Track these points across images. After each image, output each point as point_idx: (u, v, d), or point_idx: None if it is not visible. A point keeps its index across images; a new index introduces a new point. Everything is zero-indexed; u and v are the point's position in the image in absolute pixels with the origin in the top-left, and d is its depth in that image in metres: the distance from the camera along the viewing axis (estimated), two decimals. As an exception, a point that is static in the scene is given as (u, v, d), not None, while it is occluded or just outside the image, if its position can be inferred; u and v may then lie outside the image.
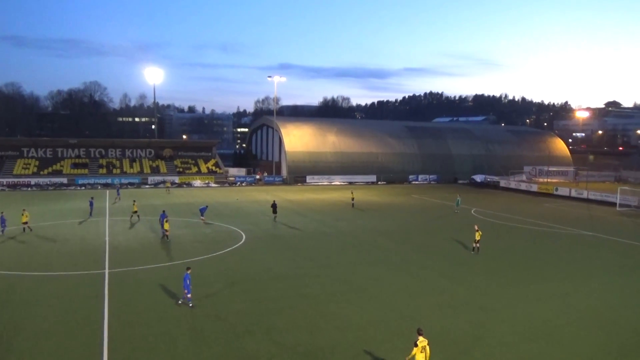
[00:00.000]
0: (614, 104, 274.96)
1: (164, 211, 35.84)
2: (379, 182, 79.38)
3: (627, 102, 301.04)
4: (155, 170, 76.70)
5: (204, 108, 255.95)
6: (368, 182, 78.68)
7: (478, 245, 30.59)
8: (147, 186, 70.72)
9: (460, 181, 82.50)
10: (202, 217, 40.27)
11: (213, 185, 73.39)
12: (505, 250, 31.88)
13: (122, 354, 15.82)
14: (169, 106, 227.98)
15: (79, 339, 16.94)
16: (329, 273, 25.75)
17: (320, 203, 54.11)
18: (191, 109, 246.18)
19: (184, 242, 32.69)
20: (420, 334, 14.09)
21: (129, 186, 67.55)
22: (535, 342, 17.31)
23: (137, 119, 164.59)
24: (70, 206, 49.07)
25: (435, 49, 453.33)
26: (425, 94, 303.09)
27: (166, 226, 33.18)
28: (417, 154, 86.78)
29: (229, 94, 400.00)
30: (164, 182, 71.63)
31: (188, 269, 20.42)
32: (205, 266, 26.55)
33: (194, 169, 78.89)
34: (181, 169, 78.25)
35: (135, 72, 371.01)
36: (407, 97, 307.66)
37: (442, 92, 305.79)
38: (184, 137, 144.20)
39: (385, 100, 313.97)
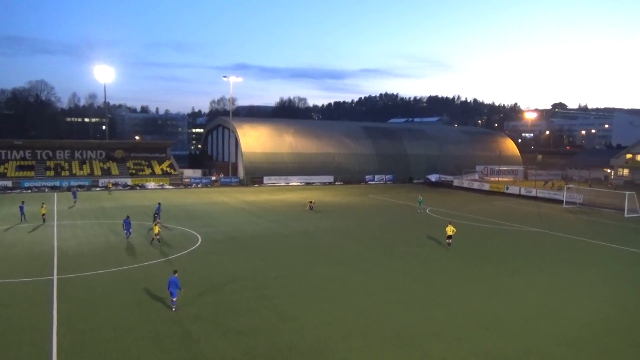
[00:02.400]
0: (560, 106, 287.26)
1: (128, 216, 34.55)
2: (336, 183, 79.83)
3: (572, 104, 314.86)
4: (107, 172, 74.37)
5: (157, 108, 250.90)
6: (325, 183, 79.00)
7: (450, 240, 31.95)
8: (98, 189, 68.47)
9: (415, 181, 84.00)
10: (158, 220, 39.21)
11: (168, 187, 71.85)
12: (459, 247, 32.64)
13: (72, 362, 15.21)
14: (120, 106, 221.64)
15: (25, 348, 16.18)
16: (287, 274, 25.65)
17: (278, 204, 53.89)
18: (144, 109, 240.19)
19: (138, 245, 31.82)
20: None
21: (78, 189, 65.10)
22: (489, 335, 17.79)
23: (86, 120, 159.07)
24: (15, 211, 46.89)
25: (391, 51, 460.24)
26: (381, 95, 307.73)
27: (156, 229, 32.04)
28: (373, 155, 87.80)
29: (184, 94, 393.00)
30: (116, 184, 69.56)
31: (175, 272, 20.58)
32: (160, 270, 25.92)
33: (148, 171, 76.99)
34: (134, 171, 76.18)
35: (84, 71, 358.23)
36: (363, 98, 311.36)
37: (397, 93, 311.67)
38: (137, 137, 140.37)
39: (341, 101, 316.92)
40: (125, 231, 33.13)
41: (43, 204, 42.15)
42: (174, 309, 19.63)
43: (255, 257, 29.33)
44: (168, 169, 78.63)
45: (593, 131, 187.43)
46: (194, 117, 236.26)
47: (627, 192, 51.42)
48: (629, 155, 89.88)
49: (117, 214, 44.28)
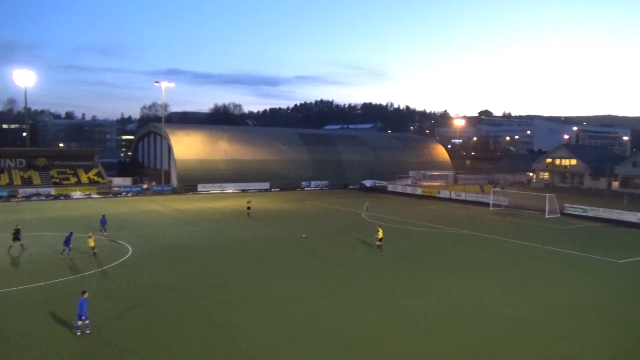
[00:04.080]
0: (486, 113, 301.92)
1: (71, 233, 31.32)
2: (272, 189, 79.39)
3: (497, 111, 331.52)
4: (28, 182, 69.86)
5: (84, 114, 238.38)
6: (261, 190, 78.35)
7: (381, 243, 32.60)
8: (15, 200, 63.96)
9: (350, 186, 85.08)
10: (105, 232, 37.13)
11: (95, 196, 68.50)
12: (393, 250, 33.29)
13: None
14: (42, 112, 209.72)
15: None
16: (222, 283, 25.09)
17: (213, 212, 52.79)
18: (69, 115, 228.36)
19: (65, 259, 29.95)
20: None
21: (24, 199, 60.57)
22: (423, 335, 18.20)
23: (5, 126, 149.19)
24: None
25: (326, 58, 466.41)
26: (316, 101, 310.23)
27: (91, 243, 30.05)
28: (309, 161, 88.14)
29: (112, 100, 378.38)
30: (38, 194, 65.51)
31: (84, 292, 18.34)
32: (86, 284, 24.56)
33: (73, 180, 73.09)
34: (58, 180, 72.04)
35: (2, 75, 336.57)
36: (298, 104, 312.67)
37: (332, 100, 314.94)
38: (61, 145, 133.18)
39: (277, 107, 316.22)
40: (65, 246, 30.02)
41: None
42: (87, 331, 17.72)
43: (189, 267, 28.48)
44: (95, 178, 75.04)
45: (516, 137, 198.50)
46: (123, 124, 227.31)
47: (547, 195, 54.62)
48: (548, 160, 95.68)
49: (38, 226, 41.67)
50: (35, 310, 20.49)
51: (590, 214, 52.05)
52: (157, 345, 16.97)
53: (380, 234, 32.71)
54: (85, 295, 18.19)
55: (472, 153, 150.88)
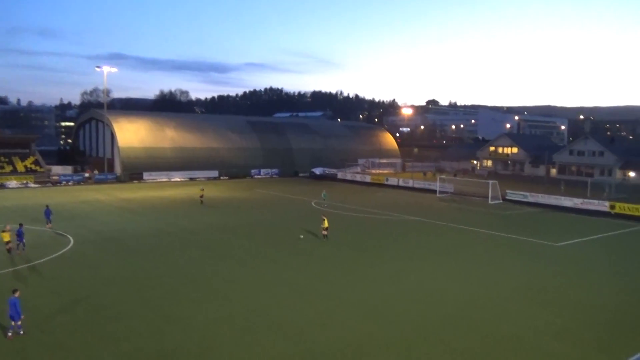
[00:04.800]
0: (433, 102, 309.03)
1: (21, 225, 28.84)
2: (221, 177, 78.21)
3: (443, 101, 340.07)
4: (-42, 171, 65.65)
5: (19, 99, 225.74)
6: (210, 178, 76.99)
7: (326, 232, 32.46)
8: (-54, 189, 60.11)
9: (301, 174, 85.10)
10: (49, 224, 34.99)
11: (33, 185, 65.21)
12: (344, 238, 33.60)
13: None
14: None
15: None
16: (171, 273, 24.52)
17: (160, 201, 51.43)
18: (2, 100, 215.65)
19: (19, 253, 28.27)
20: None
21: None
22: (373, 321, 18.48)
23: None
24: None
25: (275, 46, 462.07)
26: (265, 89, 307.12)
27: (5, 237, 27.28)
28: (258, 149, 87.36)
29: (50, 85, 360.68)
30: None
31: (15, 291, 16.97)
32: (25, 277, 23.39)
33: (8, 168, 69.24)
34: (-8, 169, 68.10)
35: None
36: (248, 92, 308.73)
37: (282, 88, 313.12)
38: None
39: (226, 94, 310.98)
40: (18, 241, 27.90)
41: None
42: (21, 332, 16.48)
43: (135, 257, 27.64)
44: (33, 166, 71.41)
45: (462, 126, 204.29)
46: (63, 110, 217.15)
47: (490, 182, 56.65)
48: (491, 148, 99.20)
49: (-30, 217, 39.29)
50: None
51: (530, 199, 54.41)
52: (106, 339, 16.39)
53: (326, 224, 32.77)
54: (17, 294, 16.82)
55: (422, 141, 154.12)
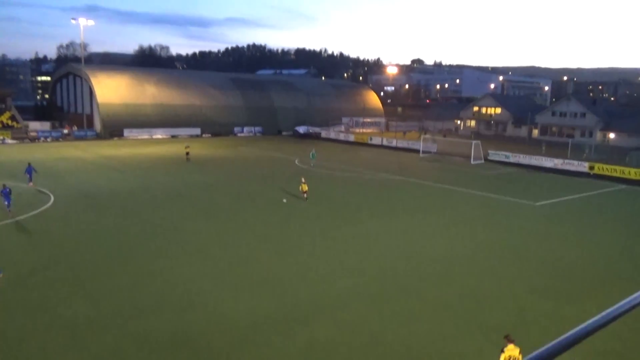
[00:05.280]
0: (418, 62, 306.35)
1: (4, 185, 27.29)
2: (204, 135, 77.37)
3: (429, 60, 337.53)
4: None
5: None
6: (192, 135, 76.08)
7: (306, 194, 32.01)
8: None
9: (284, 133, 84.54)
10: (30, 182, 34.22)
11: (10, 141, 63.81)
12: (327, 196, 33.77)
13: None
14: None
15: None
16: (153, 231, 24.50)
17: (142, 158, 50.82)
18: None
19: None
20: (510, 342, 11.35)
21: None
22: (353, 276, 18.83)
23: None
24: None
25: (257, 0, 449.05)
26: (248, 45, 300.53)
27: None
28: (241, 107, 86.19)
29: (24, 38, 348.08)
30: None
31: None
32: (5, 234, 23.17)
33: (-16, 124, 67.54)
34: (-34, 124, 66.29)
35: None
36: (230, 48, 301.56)
37: (265, 45, 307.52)
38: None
39: (207, 50, 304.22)
40: (6, 202, 26.70)
41: None
42: None
43: (116, 214, 27.50)
44: (9, 122, 69.73)
45: (446, 86, 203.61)
46: (38, 64, 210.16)
47: (473, 142, 56.98)
48: (475, 108, 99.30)
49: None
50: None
51: (512, 160, 55.02)
52: (89, 294, 16.47)
53: (305, 187, 32.02)
54: None
55: (407, 101, 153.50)
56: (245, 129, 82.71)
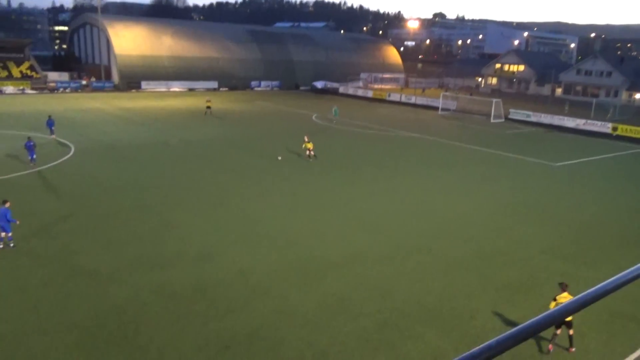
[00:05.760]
0: (440, 15, 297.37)
1: (29, 138, 26.91)
2: (221, 89, 77.00)
3: (451, 14, 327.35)
4: (-48, 75, 64.36)
5: (9, 0, 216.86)
6: (209, 89, 75.79)
7: (312, 153, 30.60)
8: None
9: (302, 88, 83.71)
10: (52, 135, 34.09)
11: (30, 91, 64.31)
12: (343, 153, 33.68)
13: None
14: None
15: None
16: (171, 182, 24.82)
17: (160, 111, 50.93)
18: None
19: (3, 156, 28.48)
20: (564, 290, 11.62)
21: None
22: (368, 233, 18.99)
23: None
24: None
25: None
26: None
27: None
28: (259, 60, 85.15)
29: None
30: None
31: (5, 202, 16.31)
32: (25, 183, 23.69)
33: (4, 73, 67.87)
34: (-13, 74, 66.72)
35: None
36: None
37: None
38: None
39: (224, 1, 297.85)
40: (29, 155, 26.48)
41: None
42: (11, 245, 16.20)
43: (135, 166, 27.85)
44: (28, 72, 69.98)
45: (468, 41, 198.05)
46: (55, 13, 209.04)
47: (493, 100, 55.87)
48: (497, 65, 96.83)
49: (-31, 123, 39.16)
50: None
51: (533, 119, 53.97)
52: (108, 244, 16.90)
53: (310, 146, 30.59)
54: (7, 205, 16.31)
55: (428, 57, 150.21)
56: (263, 83, 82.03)
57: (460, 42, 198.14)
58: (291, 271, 15.38)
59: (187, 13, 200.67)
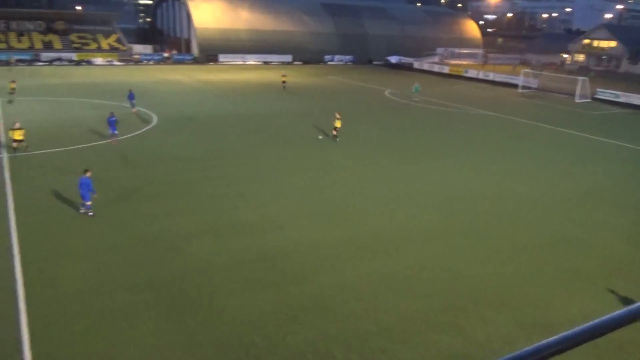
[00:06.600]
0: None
1: (112, 114, 27.17)
2: (295, 62, 77.61)
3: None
4: (49, 46, 69.17)
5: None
6: (283, 62, 76.62)
7: (336, 132, 28.70)
8: (40, 63, 64.07)
9: (375, 62, 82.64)
10: (133, 109, 34.85)
11: (117, 63, 68.01)
12: (414, 129, 33.19)
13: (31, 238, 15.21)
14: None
15: (-21, 227, 15.97)
16: (244, 155, 25.64)
17: (236, 84, 52.33)
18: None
19: (89, 124, 30.60)
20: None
21: (20, 63, 60.85)
22: (430, 212, 18.79)
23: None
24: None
25: None
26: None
27: (16, 135, 23.81)
28: (333, 34, 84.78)
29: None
30: (59, 59, 65.21)
31: (86, 171, 16.78)
32: (112, 149, 25.37)
33: (94, 45, 72.11)
34: (79, 45, 71.14)
35: None
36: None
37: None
38: (78, 8, 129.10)
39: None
40: (111, 130, 26.60)
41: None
42: (90, 213, 16.77)
43: (212, 138, 28.98)
44: (115, 44, 73.87)
45: (554, 14, 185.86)
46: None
47: (580, 78, 52.51)
48: (586, 41, 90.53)
49: (64, 92, 42.15)
50: (60, 172, 21.37)
51: (622, 100, 50.34)
52: (175, 211, 17.83)
53: (338, 124, 29.02)
54: (88, 174, 16.73)
55: (509, 31, 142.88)
56: (336, 57, 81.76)
57: (545, 15, 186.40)
58: (359, 247, 15.59)
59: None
